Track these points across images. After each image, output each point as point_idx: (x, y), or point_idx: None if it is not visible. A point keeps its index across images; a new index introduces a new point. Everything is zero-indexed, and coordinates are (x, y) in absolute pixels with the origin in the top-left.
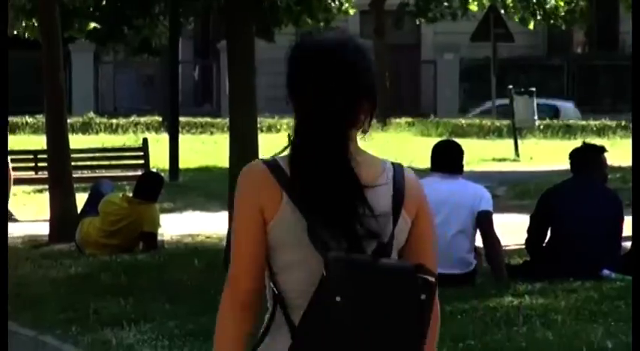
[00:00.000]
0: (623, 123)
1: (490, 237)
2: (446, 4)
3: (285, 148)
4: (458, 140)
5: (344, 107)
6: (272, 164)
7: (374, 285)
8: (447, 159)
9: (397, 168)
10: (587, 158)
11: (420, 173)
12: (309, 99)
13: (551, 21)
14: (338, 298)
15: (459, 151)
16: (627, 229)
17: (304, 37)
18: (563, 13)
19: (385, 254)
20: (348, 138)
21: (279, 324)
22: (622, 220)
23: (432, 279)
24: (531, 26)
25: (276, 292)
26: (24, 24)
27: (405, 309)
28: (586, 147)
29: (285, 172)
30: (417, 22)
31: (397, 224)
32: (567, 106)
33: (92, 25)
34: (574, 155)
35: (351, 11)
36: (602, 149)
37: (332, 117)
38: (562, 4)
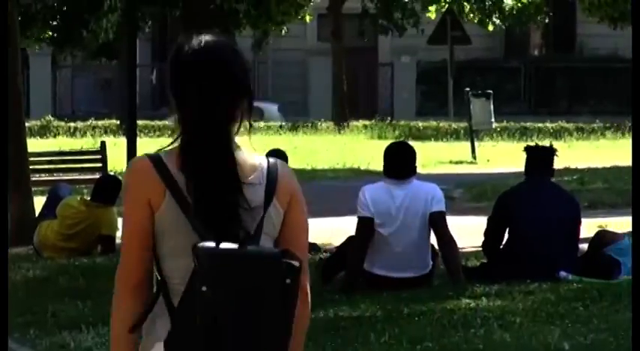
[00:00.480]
0: (579, 124)
1: (445, 238)
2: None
3: (172, 143)
4: (415, 143)
5: (225, 106)
6: (155, 159)
7: (240, 272)
8: (400, 162)
9: (271, 163)
10: (540, 159)
11: (377, 177)
12: (193, 99)
13: (507, 22)
14: (204, 288)
15: (411, 154)
16: (584, 231)
17: (184, 41)
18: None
19: (254, 243)
20: (230, 135)
21: (161, 307)
22: (579, 222)
23: (297, 263)
24: (490, 28)
25: (160, 277)
26: None
27: (271, 293)
28: (538, 148)
29: (167, 167)
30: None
31: (267, 213)
32: (271, 109)
33: (49, 32)
34: (528, 156)
35: (308, 18)
36: (554, 150)
37: (214, 116)
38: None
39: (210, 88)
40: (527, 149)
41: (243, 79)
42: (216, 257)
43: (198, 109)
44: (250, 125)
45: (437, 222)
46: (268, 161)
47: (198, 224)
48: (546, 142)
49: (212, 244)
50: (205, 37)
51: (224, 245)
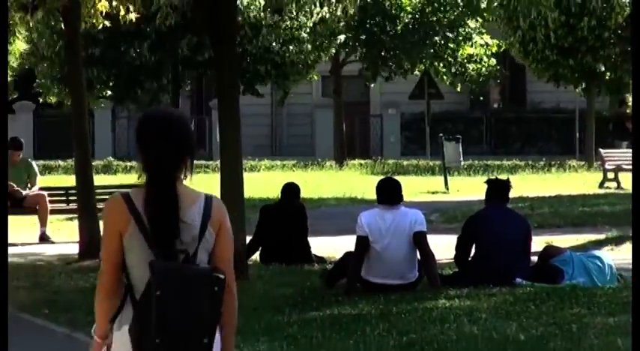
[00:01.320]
0: (529, 162)
1: (426, 253)
2: (392, 65)
3: (139, 184)
4: (400, 177)
5: (172, 161)
6: (126, 196)
7: (183, 282)
8: (389, 193)
9: (207, 197)
10: (498, 190)
11: (370, 204)
12: (151, 155)
13: (471, 84)
14: (158, 292)
15: (397, 186)
16: (534, 246)
17: (149, 110)
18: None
19: (193, 259)
20: (173, 181)
21: (128, 305)
22: (530, 239)
23: (222, 276)
24: (458, 89)
25: (127, 282)
26: (56, 90)
27: (205, 297)
28: (497, 181)
29: (133, 201)
30: (370, 84)
31: (204, 236)
32: None
33: (109, 92)
34: (489, 187)
35: (315, 77)
36: (508, 182)
37: (164, 168)
38: (479, 68)
39: (157, 147)
40: (488, 182)
41: (185, 141)
42: (166, 270)
43: (150, 162)
44: (191, 174)
45: (420, 240)
46: (205, 197)
47: (152, 245)
48: (504, 176)
49: (162, 261)
50: (162, 110)
51: (171, 263)
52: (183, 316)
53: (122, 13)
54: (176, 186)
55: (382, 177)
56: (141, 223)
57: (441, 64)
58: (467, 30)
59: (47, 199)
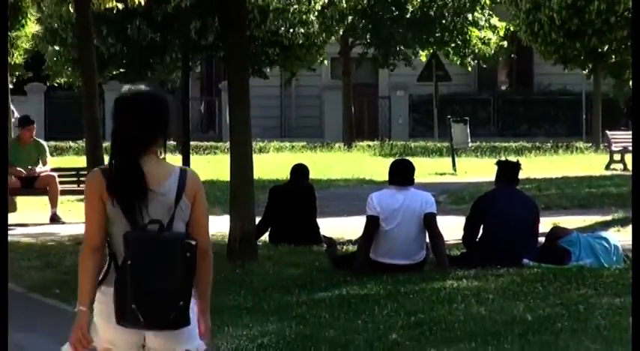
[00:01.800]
0: (536, 144)
1: (435, 234)
2: (399, 50)
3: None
4: (407, 158)
5: (142, 137)
6: (104, 170)
7: (155, 250)
8: (401, 174)
9: (182, 170)
10: (508, 171)
11: (379, 185)
12: (123, 130)
13: (479, 61)
14: (129, 262)
15: (411, 168)
16: (542, 227)
17: (125, 91)
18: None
19: (168, 228)
20: (138, 156)
21: (112, 271)
22: (538, 220)
23: (194, 242)
24: (469, 69)
25: (110, 250)
26: (68, 72)
27: (177, 263)
28: (507, 163)
29: (110, 175)
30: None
31: (179, 205)
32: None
33: (121, 70)
34: (499, 169)
35: (325, 62)
36: (519, 164)
37: (133, 142)
38: (487, 49)
39: (125, 126)
40: (498, 163)
41: (154, 120)
42: (140, 239)
43: (117, 139)
44: (165, 151)
45: (429, 221)
46: (180, 169)
47: (129, 216)
48: (511, 158)
49: (136, 231)
50: (135, 91)
51: (145, 232)
52: (157, 282)
53: None
54: (139, 162)
55: (391, 159)
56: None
57: (449, 48)
58: (475, 14)
59: (57, 180)
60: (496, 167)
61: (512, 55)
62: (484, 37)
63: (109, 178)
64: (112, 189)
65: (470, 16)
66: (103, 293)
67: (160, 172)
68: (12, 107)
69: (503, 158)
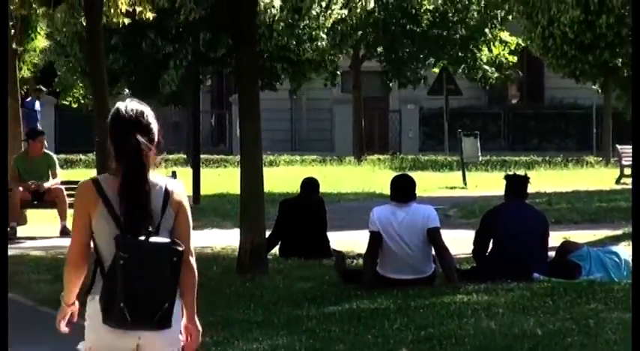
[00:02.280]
0: (547, 158)
1: (440, 248)
2: (411, 66)
3: (106, 171)
4: (418, 172)
5: (140, 151)
6: (95, 181)
7: (145, 254)
8: (402, 190)
9: (168, 181)
10: (517, 185)
11: (389, 199)
12: (122, 146)
13: (490, 81)
14: (121, 262)
15: (411, 183)
16: (552, 241)
17: (118, 107)
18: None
19: (156, 235)
20: (144, 169)
21: (99, 279)
22: (547, 233)
23: (181, 248)
24: (480, 85)
25: (97, 257)
26: (79, 86)
27: (164, 266)
28: (516, 176)
29: (102, 186)
30: (389, 83)
31: (164, 216)
32: None
33: (128, 88)
34: (508, 183)
35: (337, 74)
36: (527, 178)
37: (134, 156)
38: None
39: (126, 139)
40: (507, 177)
41: (148, 133)
42: (131, 245)
43: (123, 152)
44: (159, 162)
45: (434, 236)
46: (166, 182)
47: (119, 224)
48: (521, 172)
49: (127, 236)
50: (129, 105)
51: (136, 238)
52: (145, 283)
53: (139, 9)
54: (148, 178)
55: (401, 172)
56: (109, 206)
57: (460, 68)
58: (488, 30)
59: (65, 193)
60: (505, 181)
61: (520, 73)
62: (495, 56)
63: (100, 188)
64: (121, 196)
65: (484, 33)
66: (94, 301)
67: (153, 186)
68: (37, 106)
69: (512, 172)
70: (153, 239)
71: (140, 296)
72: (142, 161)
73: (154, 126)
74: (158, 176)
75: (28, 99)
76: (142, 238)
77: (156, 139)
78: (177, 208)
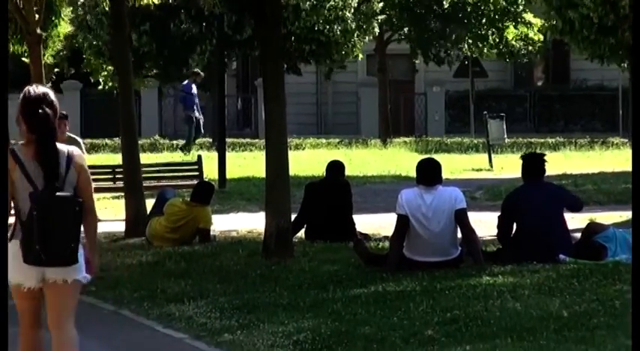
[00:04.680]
0: (573, 139)
1: (467, 230)
2: (437, 46)
3: (23, 141)
4: (444, 155)
5: (49, 120)
6: (12, 151)
7: (54, 206)
8: (428, 174)
9: (69, 148)
10: (532, 165)
11: (415, 181)
12: (33, 118)
13: (516, 59)
14: (35, 212)
15: (437, 167)
16: (578, 223)
17: (27, 89)
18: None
19: (61, 190)
20: (53, 133)
21: (18, 226)
22: (565, 203)
23: (81, 200)
24: (507, 60)
25: (16, 209)
26: (104, 71)
27: (69, 215)
28: (531, 156)
29: (17, 154)
30: (416, 63)
31: (68, 174)
32: None
33: (154, 70)
34: (524, 163)
35: (360, 55)
36: (542, 157)
37: (44, 125)
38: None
39: (36, 113)
40: (522, 158)
41: (52, 107)
42: (42, 197)
43: (32, 125)
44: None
45: (460, 217)
46: (68, 148)
47: (32, 182)
48: (547, 153)
49: (39, 191)
50: (33, 88)
51: (46, 191)
52: (55, 229)
53: None
54: (54, 142)
55: (427, 155)
56: (24, 169)
57: (485, 45)
58: (512, 10)
59: (91, 177)
60: (521, 162)
61: (548, 48)
62: (521, 33)
63: (16, 156)
64: (39, 162)
65: (508, 12)
66: (14, 245)
67: (60, 148)
68: (194, 90)
69: (527, 152)
70: (59, 194)
71: (51, 239)
72: (50, 128)
73: (56, 103)
74: (60, 144)
75: (185, 82)
76: (51, 193)
77: (58, 113)
78: (79, 170)
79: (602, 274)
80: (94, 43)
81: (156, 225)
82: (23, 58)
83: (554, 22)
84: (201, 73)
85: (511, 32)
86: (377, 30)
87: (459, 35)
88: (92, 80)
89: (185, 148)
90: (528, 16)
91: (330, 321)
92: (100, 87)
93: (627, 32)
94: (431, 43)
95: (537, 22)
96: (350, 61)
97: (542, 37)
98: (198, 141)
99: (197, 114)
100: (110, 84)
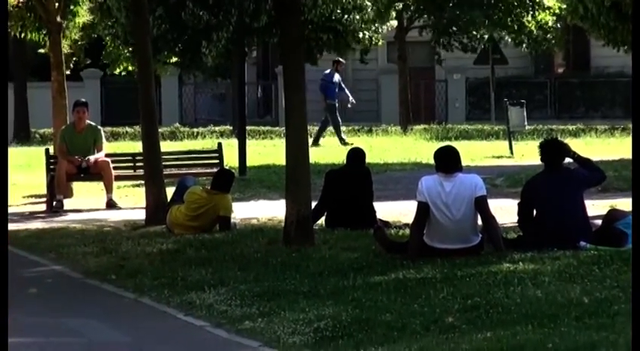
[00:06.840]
0: (593, 126)
1: (487, 216)
2: (457, 33)
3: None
4: (464, 142)
5: None
6: None
7: None
8: (446, 162)
9: None
10: (549, 151)
11: (434, 169)
12: None
13: (537, 48)
14: None
15: (455, 155)
16: (599, 209)
17: None
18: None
19: None
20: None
21: None
22: (585, 185)
23: None
24: (524, 48)
25: None
26: (126, 56)
27: None
28: (548, 143)
29: None
30: (437, 50)
31: None
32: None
33: (174, 58)
34: (541, 151)
35: (380, 43)
36: (558, 142)
37: None
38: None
39: None
40: (540, 146)
41: None
42: None
43: None
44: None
45: (481, 204)
46: None
47: None
48: (567, 140)
49: None
50: None
51: None
52: None
53: None
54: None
55: (447, 142)
56: None
57: (505, 33)
58: None
59: (111, 165)
60: (539, 150)
61: (567, 36)
62: (540, 20)
63: None
64: None
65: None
66: None
67: None
68: (337, 78)
69: (545, 139)
70: None
71: None
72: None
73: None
74: None
75: (327, 71)
76: None
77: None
78: None
79: (623, 260)
80: (113, 30)
81: (176, 213)
82: (40, 50)
83: (574, 8)
84: (343, 61)
85: (531, 22)
86: (394, 22)
87: (479, 21)
88: (112, 72)
89: (340, 139)
90: (548, 1)
91: (351, 308)
92: (118, 70)
93: None
94: (450, 30)
95: (556, 5)
96: (370, 48)
97: (557, 24)
98: (218, 128)
99: (350, 99)
100: (130, 68)
